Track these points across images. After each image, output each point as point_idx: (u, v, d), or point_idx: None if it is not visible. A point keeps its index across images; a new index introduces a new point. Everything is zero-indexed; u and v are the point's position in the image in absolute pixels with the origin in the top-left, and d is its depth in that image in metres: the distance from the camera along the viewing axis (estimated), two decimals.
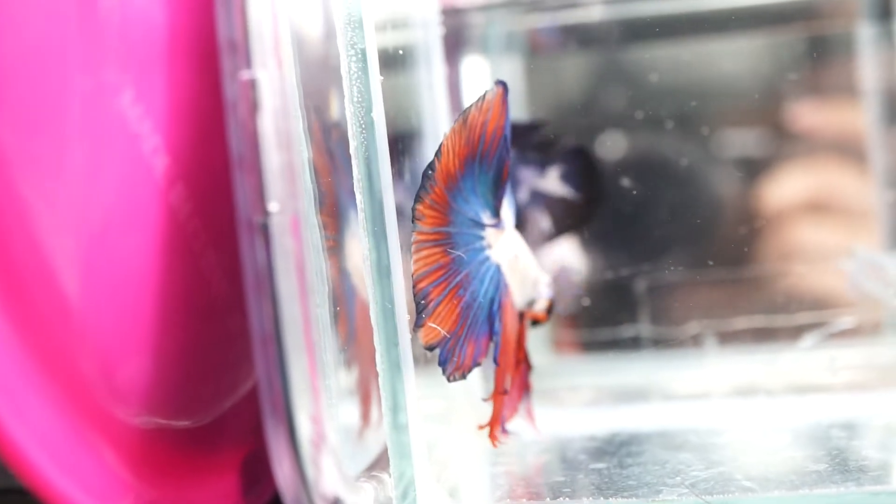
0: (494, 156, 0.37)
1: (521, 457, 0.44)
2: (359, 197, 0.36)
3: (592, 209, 0.52)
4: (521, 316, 0.41)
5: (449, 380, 0.37)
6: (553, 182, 0.50)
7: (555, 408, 0.51)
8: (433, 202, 0.36)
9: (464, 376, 0.38)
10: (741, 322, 0.54)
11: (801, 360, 0.51)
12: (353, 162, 0.36)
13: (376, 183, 0.36)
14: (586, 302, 0.55)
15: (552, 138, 0.50)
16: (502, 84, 0.37)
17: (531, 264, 0.41)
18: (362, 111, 0.36)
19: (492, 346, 0.38)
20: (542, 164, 0.50)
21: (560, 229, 0.50)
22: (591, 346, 0.56)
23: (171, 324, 0.33)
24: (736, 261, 0.56)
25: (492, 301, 0.38)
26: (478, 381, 0.48)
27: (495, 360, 0.38)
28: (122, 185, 0.31)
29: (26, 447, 0.29)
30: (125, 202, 0.31)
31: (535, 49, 0.57)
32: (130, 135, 0.30)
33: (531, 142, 0.49)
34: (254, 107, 0.30)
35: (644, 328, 0.55)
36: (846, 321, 0.52)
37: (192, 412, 0.37)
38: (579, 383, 0.55)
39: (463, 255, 0.37)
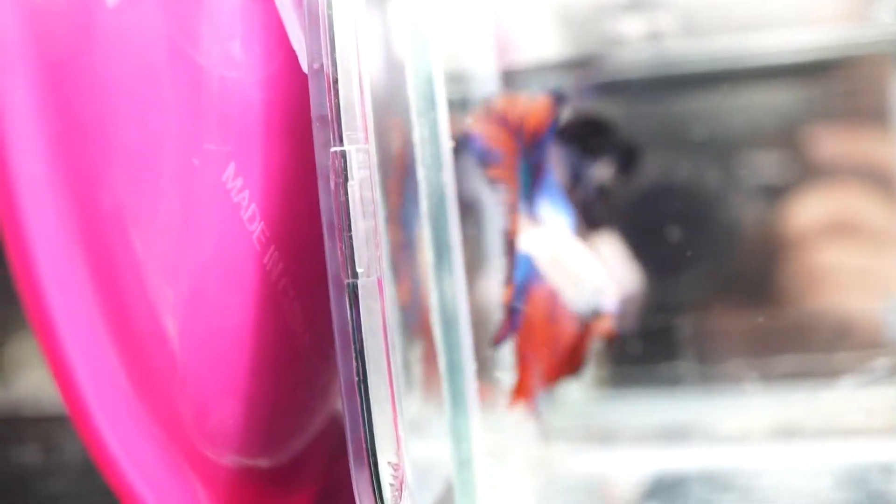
0: (534, 153, 0.40)
1: (574, 494, 0.46)
2: (429, 254, 0.39)
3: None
4: (586, 326, 0.43)
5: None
6: (604, 169, 0.53)
7: (601, 445, 0.53)
8: None
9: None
10: (781, 363, 0.56)
11: (841, 401, 0.53)
12: (425, 221, 0.39)
13: (446, 239, 0.39)
14: (633, 342, 0.57)
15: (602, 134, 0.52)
16: (554, 94, 0.39)
17: (589, 269, 0.43)
18: (433, 174, 0.39)
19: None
20: (595, 156, 0.53)
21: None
22: (635, 383, 0.58)
23: (259, 372, 0.36)
24: (776, 302, 0.58)
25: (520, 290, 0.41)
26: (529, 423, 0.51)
27: (514, 331, 0.41)
28: (222, 247, 0.33)
29: (133, 481, 0.32)
30: (225, 262, 0.34)
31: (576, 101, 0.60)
32: (231, 204, 0.33)
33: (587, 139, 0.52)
34: (343, 178, 0.33)
35: (687, 367, 0.57)
36: (884, 363, 0.54)
37: (271, 452, 0.39)
38: (623, 421, 0.57)
39: None
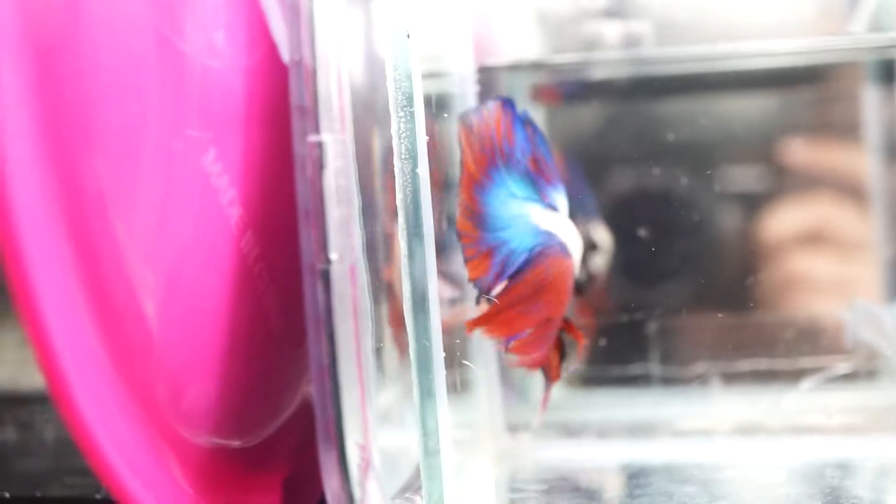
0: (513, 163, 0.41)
1: (539, 484, 0.47)
2: (402, 244, 0.40)
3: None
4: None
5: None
6: None
7: (569, 439, 0.54)
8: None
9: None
10: (745, 364, 0.57)
11: (800, 401, 0.55)
12: (399, 212, 0.40)
13: (419, 232, 0.40)
14: (601, 341, 0.58)
15: None
16: (500, 99, 0.41)
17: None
18: (409, 167, 0.40)
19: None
20: None
21: None
22: (603, 381, 0.59)
23: (233, 354, 0.37)
24: (742, 305, 0.59)
25: (531, 249, 0.42)
26: (499, 413, 0.52)
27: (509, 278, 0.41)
28: (200, 230, 0.35)
29: (111, 458, 0.33)
30: (203, 246, 0.35)
31: (554, 102, 0.61)
32: (211, 188, 0.34)
33: None
34: (320, 166, 0.34)
35: (653, 366, 0.59)
36: (843, 367, 0.55)
37: (244, 433, 0.40)
38: (591, 417, 0.58)
39: None
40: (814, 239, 0.60)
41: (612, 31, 0.58)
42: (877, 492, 0.45)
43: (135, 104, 0.32)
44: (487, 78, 0.54)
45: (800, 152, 0.59)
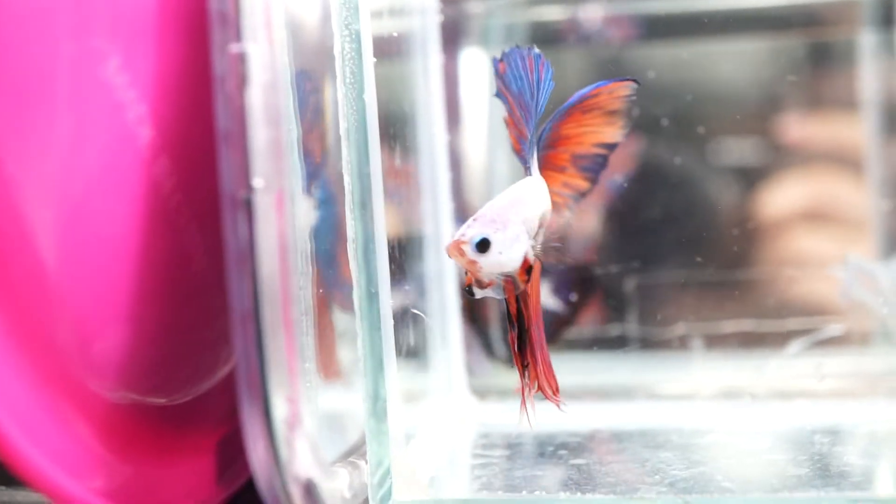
0: None
1: (501, 450, 0.44)
2: (347, 179, 0.36)
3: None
4: None
5: None
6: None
7: (538, 402, 0.50)
8: None
9: None
10: (729, 325, 0.54)
11: (788, 365, 0.51)
12: (343, 143, 0.36)
13: (365, 164, 0.36)
14: (574, 298, 0.54)
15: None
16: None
17: None
18: (354, 93, 0.36)
19: None
20: None
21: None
22: (578, 343, 0.56)
23: (150, 298, 0.33)
24: (726, 264, 0.55)
25: None
26: (462, 375, 0.48)
27: None
28: (104, 153, 0.30)
29: None
30: (107, 172, 0.30)
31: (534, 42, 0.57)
32: (115, 103, 0.30)
33: None
34: (242, 81, 0.29)
35: (631, 328, 0.55)
36: (835, 329, 0.52)
37: (168, 390, 0.36)
38: (562, 380, 0.54)
39: None
40: (804, 198, 0.56)
41: None
42: (869, 458, 0.41)
43: (22, 3, 0.28)
44: (454, 10, 0.50)
45: (791, 107, 0.56)
